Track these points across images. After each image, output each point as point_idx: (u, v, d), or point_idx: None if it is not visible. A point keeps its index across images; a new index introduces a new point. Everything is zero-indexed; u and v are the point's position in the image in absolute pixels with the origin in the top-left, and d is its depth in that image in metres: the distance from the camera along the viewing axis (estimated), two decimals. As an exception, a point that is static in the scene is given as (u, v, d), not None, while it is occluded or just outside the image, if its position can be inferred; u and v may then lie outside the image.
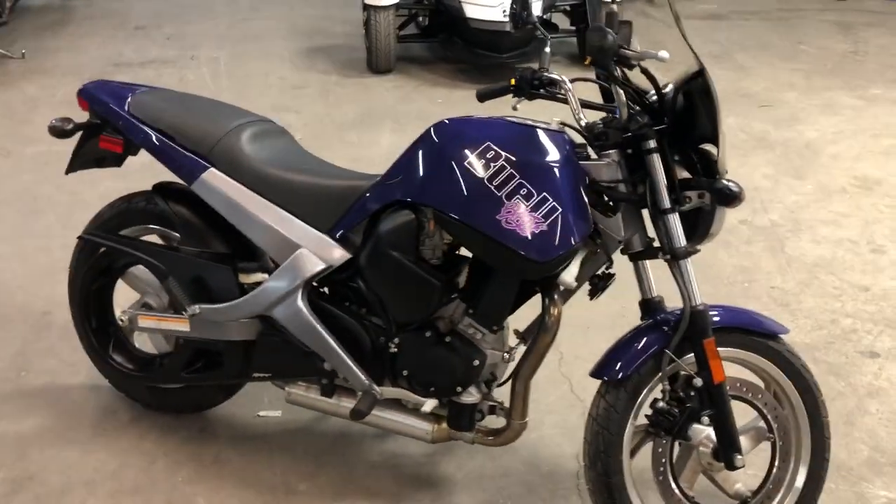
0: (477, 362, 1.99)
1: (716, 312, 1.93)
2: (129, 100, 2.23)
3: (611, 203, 1.88)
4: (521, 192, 1.81)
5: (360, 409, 2.02)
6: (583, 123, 1.88)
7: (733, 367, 2.00)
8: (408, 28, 6.18)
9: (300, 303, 2.05)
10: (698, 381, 1.85)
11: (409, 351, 2.03)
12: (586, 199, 1.85)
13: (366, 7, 5.51)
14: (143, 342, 2.53)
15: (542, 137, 1.87)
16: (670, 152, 1.83)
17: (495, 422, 2.17)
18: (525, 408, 2.07)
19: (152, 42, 6.57)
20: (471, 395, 2.05)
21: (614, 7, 1.84)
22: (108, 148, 2.26)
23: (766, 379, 2.00)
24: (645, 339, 1.91)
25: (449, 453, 2.37)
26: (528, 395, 2.06)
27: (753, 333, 1.94)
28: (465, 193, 1.85)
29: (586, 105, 1.94)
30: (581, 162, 1.88)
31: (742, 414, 2.00)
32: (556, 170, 1.82)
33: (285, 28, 6.96)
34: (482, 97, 2.03)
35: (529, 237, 1.81)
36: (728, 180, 1.75)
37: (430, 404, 2.04)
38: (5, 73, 5.75)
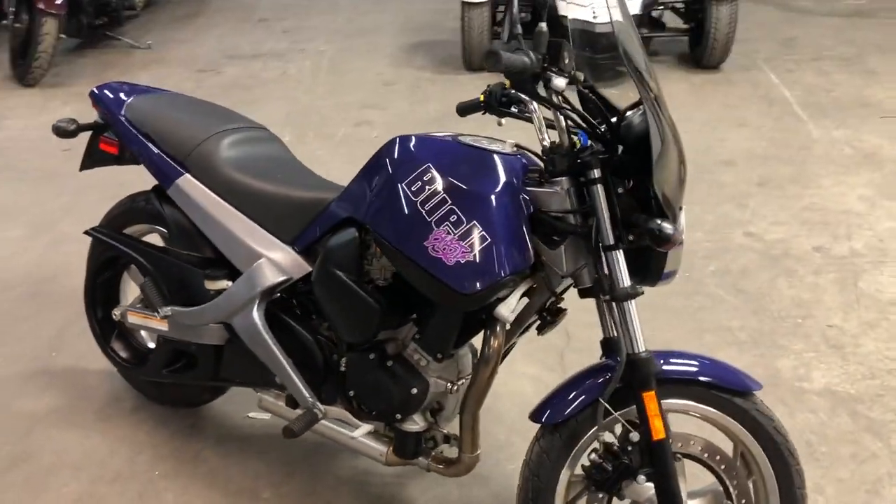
0: (416, 390, 1.91)
1: (673, 362, 1.75)
2: (127, 103, 2.31)
3: (556, 235, 1.74)
4: (451, 218, 1.71)
5: (293, 427, 1.99)
6: (546, 145, 1.75)
7: (699, 423, 1.82)
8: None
9: (255, 313, 2.05)
10: (635, 436, 1.69)
11: (355, 371, 1.99)
12: (526, 230, 1.72)
13: (462, 4, 5.47)
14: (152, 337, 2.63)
15: (487, 162, 1.75)
16: (616, 183, 1.66)
17: (453, 451, 2.08)
18: (475, 441, 1.96)
19: (269, 35, 6.83)
20: (414, 424, 1.97)
21: (543, 26, 1.69)
22: (105, 150, 2.35)
23: (734, 440, 1.79)
24: (586, 383, 1.76)
25: (418, 477, 2.30)
26: (476, 427, 1.95)
27: (716, 388, 1.74)
28: (399, 216, 1.77)
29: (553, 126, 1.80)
30: (531, 188, 1.75)
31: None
32: (491, 197, 1.70)
33: (399, 23, 7.03)
34: (461, 112, 1.93)
35: (455, 267, 1.70)
36: (663, 220, 1.57)
37: (363, 429, 1.98)
38: (129, 63, 6.16)
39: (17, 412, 2.61)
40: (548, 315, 1.88)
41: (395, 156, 1.84)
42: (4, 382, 2.75)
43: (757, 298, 3.08)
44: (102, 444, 2.47)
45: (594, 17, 5.38)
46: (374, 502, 2.25)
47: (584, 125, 1.69)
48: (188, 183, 2.16)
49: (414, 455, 2.01)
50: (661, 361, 1.74)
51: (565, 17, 5.06)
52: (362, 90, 5.43)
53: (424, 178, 1.76)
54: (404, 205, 1.76)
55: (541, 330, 1.92)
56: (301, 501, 2.25)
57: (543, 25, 1.61)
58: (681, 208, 1.67)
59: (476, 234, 1.69)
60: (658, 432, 1.66)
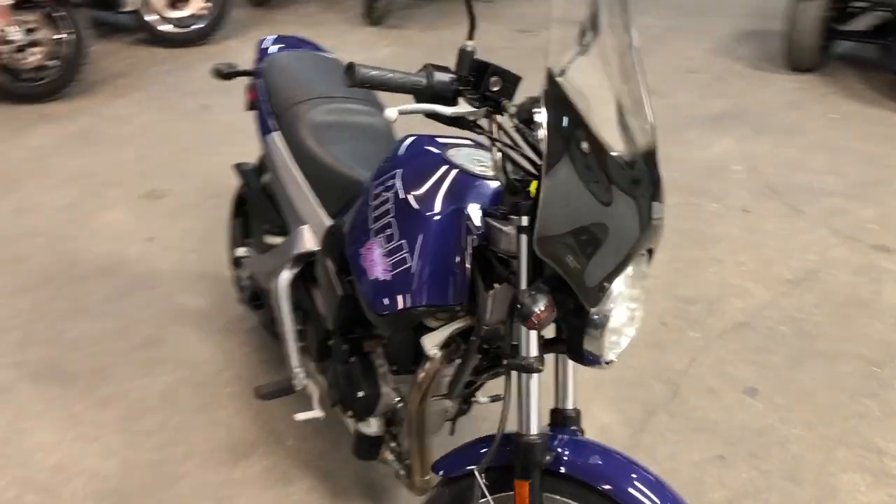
0: (362, 393, 1.85)
1: (589, 461, 1.46)
2: (271, 55, 2.49)
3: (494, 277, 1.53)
4: (387, 232, 1.60)
5: (261, 388, 2.06)
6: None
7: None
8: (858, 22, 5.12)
9: (282, 274, 2.14)
10: (501, 525, 1.46)
11: (333, 355, 1.98)
12: (462, 264, 1.53)
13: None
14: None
15: (452, 182, 1.58)
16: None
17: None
18: (423, 466, 1.85)
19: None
20: (368, 427, 1.92)
21: (469, 44, 1.40)
22: (248, 97, 2.57)
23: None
24: (484, 448, 1.55)
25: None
26: (424, 453, 1.83)
27: (626, 509, 1.42)
28: (356, 216, 1.71)
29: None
30: (493, 221, 1.54)
31: None
32: (431, 220, 1.54)
33: (750, 6, 6.34)
34: None
35: (373, 282, 1.60)
36: (539, 293, 1.29)
37: (304, 415, 1.98)
38: (459, 13, 6.45)
39: (174, 304, 3.07)
40: (486, 360, 1.68)
41: (392, 154, 1.75)
42: (186, 276, 3.23)
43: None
44: (208, 351, 2.81)
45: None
46: (367, 488, 2.25)
47: (523, 163, 1.44)
48: (274, 140, 2.29)
49: (367, 457, 1.97)
50: (570, 453, 1.47)
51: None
52: (659, 75, 5.07)
53: (387, 183, 1.66)
54: (362, 205, 1.70)
55: (478, 374, 1.72)
56: (313, 460, 2.33)
57: (470, 44, 1.38)
58: (606, 286, 1.35)
59: (400, 255, 1.57)
60: (521, 530, 1.43)
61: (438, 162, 1.64)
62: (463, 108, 1.40)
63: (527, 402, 1.44)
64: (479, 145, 1.77)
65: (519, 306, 1.30)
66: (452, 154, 1.67)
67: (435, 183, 1.60)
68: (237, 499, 2.23)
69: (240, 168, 2.67)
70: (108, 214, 3.69)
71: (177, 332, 2.91)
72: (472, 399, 1.97)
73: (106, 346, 2.84)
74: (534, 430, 1.44)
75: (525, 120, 1.38)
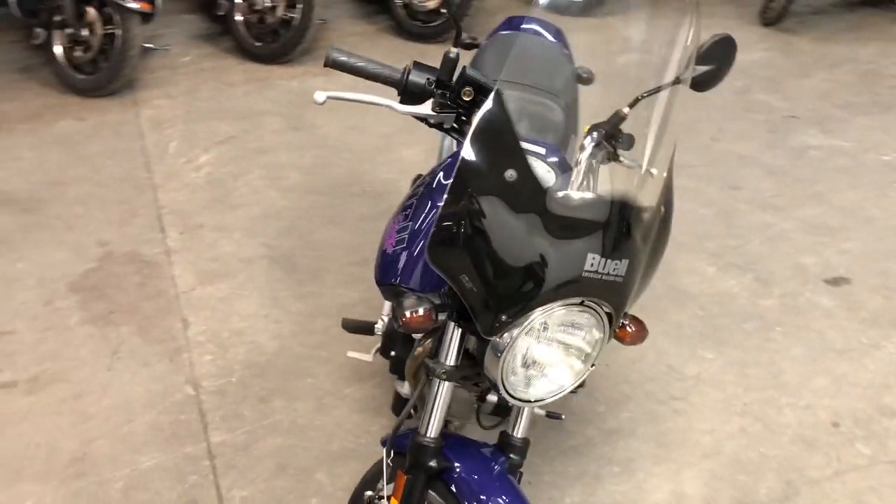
0: (394, 353, 1.97)
1: (477, 489, 1.46)
2: (497, 34, 2.61)
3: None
4: (407, 211, 1.70)
5: (349, 320, 2.26)
6: None
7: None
8: None
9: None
10: (384, 507, 1.54)
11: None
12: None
13: None
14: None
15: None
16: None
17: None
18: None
19: None
20: (402, 387, 2.05)
21: (453, 51, 1.26)
22: (474, 68, 2.73)
23: None
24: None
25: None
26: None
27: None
28: (412, 192, 1.82)
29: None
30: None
31: None
32: (437, 210, 1.61)
33: None
34: None
35: (381, 252, 1.72)
36: (424, 298, 1.30)
37: (354, 353, 2.17)
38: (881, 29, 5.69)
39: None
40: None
41: None
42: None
43: None
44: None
45: None
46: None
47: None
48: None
49: (394, 412, 2.11)
50: (473, 476, 1.49)
51: None
52: None
53: (436, 171, 1.75)
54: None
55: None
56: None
57: (454, 50, 1.37)
58: (504, 319, 1.31)
59: (404, 234, 1.67)
60: (393, 517, 1.50)
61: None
62: (422, 109, 1.44)
63: (432, 405, 1.48)
64: (558, 162, 1.74)
65: (395, 305, 1.35)
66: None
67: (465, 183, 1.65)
68: (334, 409, 2.55)
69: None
70: (406, 150, 4.18)
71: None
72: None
73: (334, 254, 3.32)
74: (431, 433, 1.48)
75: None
